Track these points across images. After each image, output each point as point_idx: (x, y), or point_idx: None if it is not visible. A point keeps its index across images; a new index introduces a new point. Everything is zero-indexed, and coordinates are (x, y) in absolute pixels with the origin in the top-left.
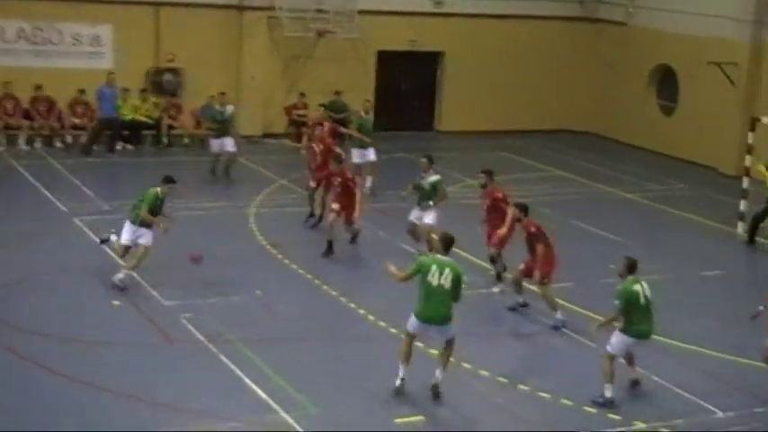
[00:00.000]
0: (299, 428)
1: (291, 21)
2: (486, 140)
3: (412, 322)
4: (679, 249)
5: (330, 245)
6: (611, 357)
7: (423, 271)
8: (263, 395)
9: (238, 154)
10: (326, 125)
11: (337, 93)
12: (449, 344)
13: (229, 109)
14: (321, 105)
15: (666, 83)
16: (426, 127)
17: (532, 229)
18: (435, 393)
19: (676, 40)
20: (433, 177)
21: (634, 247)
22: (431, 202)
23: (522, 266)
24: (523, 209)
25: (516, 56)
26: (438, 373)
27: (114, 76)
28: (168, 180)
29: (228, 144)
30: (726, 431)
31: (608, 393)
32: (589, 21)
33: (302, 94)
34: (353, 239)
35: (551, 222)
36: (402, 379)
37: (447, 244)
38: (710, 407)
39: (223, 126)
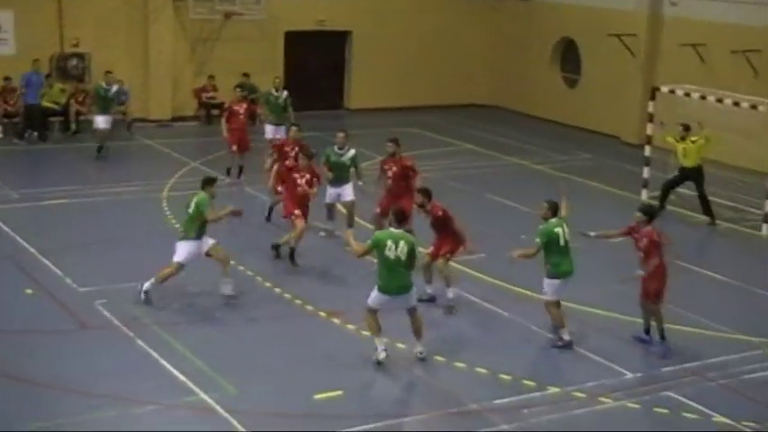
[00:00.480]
0: (219, 408)
1: (197, 3)
2: (396, 117)
3: (375, 297)
4: (586, 217)
5: (292, 253)
6: (555, 303)
7: (379, 247)
8: (182, 377)
9: (128, 137)
10: (244, 106)
11: (246, 74)
12: (413, 313)
13: (114, 88)
14: (237, 87)
15: (569, 55)
16: (336, 105)
17: (439, 213)
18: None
19: (577, 13)
20: (352, 151)
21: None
22: (358, 180)
23: (431, 249)
24: (426, 194)
25: (423, 33)
26: (418, 346)
27: (40, 63)
28: (208, 182)
29: (102, 121)
30: (635, 391)
31: (566, 336)
32: None
33: (211, 77)
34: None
35: (463, 196)
36: (384, 350)
37: (399, 218)
38: (619, 368)
39: (105, 104)
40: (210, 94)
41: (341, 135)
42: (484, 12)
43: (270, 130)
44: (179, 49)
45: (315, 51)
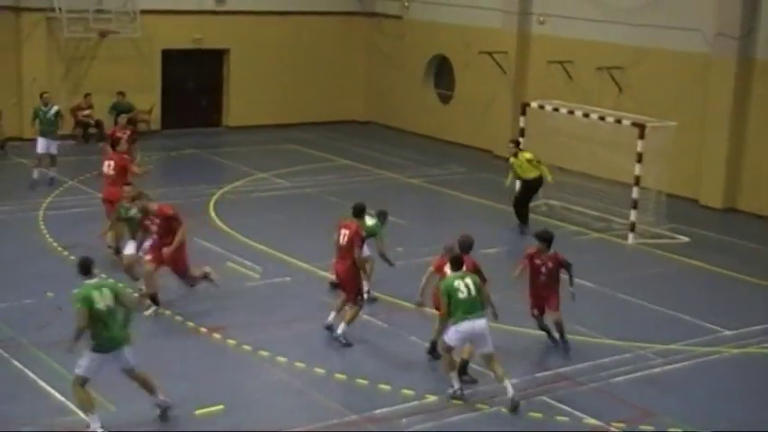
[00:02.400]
0: (98, 429)
1: (72, 21)
2: (274, 134)
3: (87, 363)
4: (460, 229)
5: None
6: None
7: (88, 304)
8: (60, 397)
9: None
10: (127, 132)
11: (121, 93)
12: (130, 373)
13: None
14: (113, 108)
15: (443, 72)
16: (215, 123)
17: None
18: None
19: (450, 31)
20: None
21: (418, 229)
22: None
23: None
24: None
25: (300, 51)
26: (159, 396)
27: None
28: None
29: None
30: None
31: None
32: (367, 15)
33: (87, 95)
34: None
35: (342, 210)
36: (101, 428)
37: (83, 268)
38: None
39: None
40: (86, 112)
41: (133, 192)
42: (360, 29)
43: (41, 144)
44: (54, 68)
45: (192, 69)
